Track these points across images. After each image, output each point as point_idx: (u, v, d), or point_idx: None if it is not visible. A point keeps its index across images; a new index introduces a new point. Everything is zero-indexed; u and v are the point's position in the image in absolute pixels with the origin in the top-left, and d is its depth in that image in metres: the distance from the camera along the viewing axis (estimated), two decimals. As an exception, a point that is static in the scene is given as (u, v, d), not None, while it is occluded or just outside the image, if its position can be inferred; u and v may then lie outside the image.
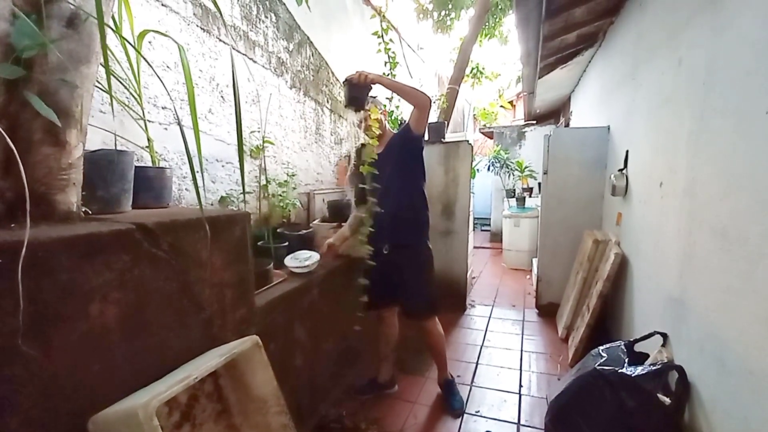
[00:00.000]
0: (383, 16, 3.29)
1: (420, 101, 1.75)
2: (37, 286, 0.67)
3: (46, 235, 0.70)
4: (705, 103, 1.35)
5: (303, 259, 1.84)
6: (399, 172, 1.83)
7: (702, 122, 1.37)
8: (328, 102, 2.93)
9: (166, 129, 1.54)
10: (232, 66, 0.88)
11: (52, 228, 0.76)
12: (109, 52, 1.24)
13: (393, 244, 1.86)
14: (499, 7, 4.87)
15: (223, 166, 1.88)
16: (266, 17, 2.18)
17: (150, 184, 1.25)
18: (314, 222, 2.36)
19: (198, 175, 1.66)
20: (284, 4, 2.36)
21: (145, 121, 1.32)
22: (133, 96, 1.30)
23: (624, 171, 2.36)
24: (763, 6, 1.04)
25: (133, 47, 1.13)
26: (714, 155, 1.28)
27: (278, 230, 2.13)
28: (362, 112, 1.82)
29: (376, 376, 2.12)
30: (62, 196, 0.83)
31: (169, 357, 0.95)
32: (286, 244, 1.97)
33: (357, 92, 1.72)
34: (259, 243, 1.89)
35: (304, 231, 2.14)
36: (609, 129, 2.88)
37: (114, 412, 0.78)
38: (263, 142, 2.06)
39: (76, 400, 0.75)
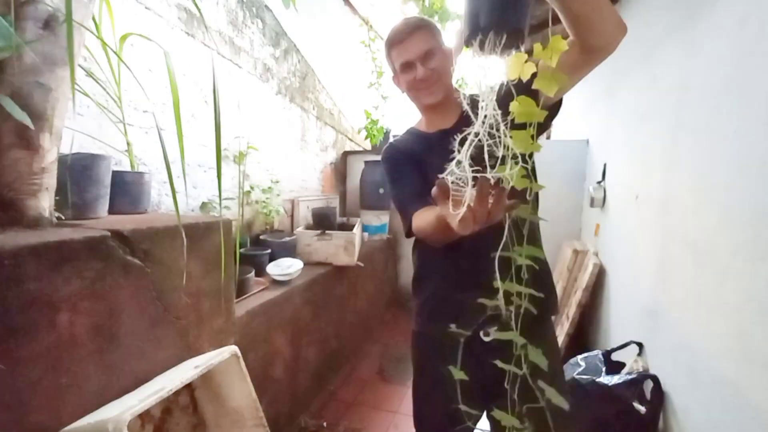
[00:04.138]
0: (370, 26, 3.33)
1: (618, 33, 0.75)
2: (2, 295, 0.65)
3: (13, 241, 0.67)
4: (678, 120, 1.41)
5: (285, 267, 1.82)
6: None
7: (675, 138, 1.42)
8: (314, 109, 2.92)
9: (146, 133, 1.51)
10: (213, 69, 0.87)
11: (21, 234, 0.73)
12: (89, 55, 1.21)
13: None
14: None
15: (205, 171, 1.85)
16: (252, 23, 2.18)
17: (128, 189, 1.22)
18: (298, 229, 2.34)
19: (179, 180, 1.64)
20: (271, 11, 2.36)
21: (124, 124, 1.29)
22: (112, 99, 1.27)
23: (602, 183, 2.43)
24: (733, 28, 1.09)
25: (114, 51, 1.11)
26: (686, 171, 1.33)
27: (261, 237, 2.11)
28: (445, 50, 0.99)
29: None
30: (33, 202, 0.80)
31: (143, 368, 0.92)
32: (269, 251, 1.95)
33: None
34: (240, 250, 1.87)
35: (288, 238, 2.12)
36: (588, 142, 2.96)
37: (83, 427, 0.75)
38: (247, 147, 2.04)
39: (42, 414, 0.72)
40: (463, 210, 0.52)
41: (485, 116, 0.54)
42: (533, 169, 0.84)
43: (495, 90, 0.57)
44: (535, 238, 0.90)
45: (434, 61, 0.96)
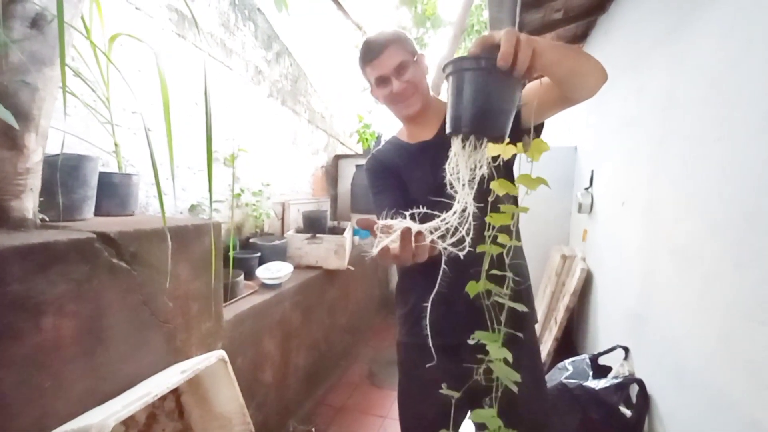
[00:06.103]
0: (363, 31, 3.35)
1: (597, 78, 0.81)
2: (-16, 298, 0.63)
3: (-4, 243, 0.66)
4: (664, 128, 1.44)
5: (275, 271, 1.81)
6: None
7: (661, 146, 1.45)
8: (305, 112, 2.92)
9: (135, 134, 1.49)
10: (204, 71, 0.87)
11: (4, 236, 0.72)
12: (77, 54, 1.20)
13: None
14: (475, 28, 5.08)
15: (194, 173, 1.83)
16: (244, 26, 2.17)
17: (115, 190, 1.20)
18: (288, 233, 2.33)
19: (168, 182, 1.62)
20: (264, 13, 2.36)
21: (112, 125, 1.27)
22: (100, 99, 1.26)
23: (589, 189, 2.46)
24: (717, 38, 1.12)
25: (103, 52, 1.10)
26: (672, 178, 1.36)
27: (251, 240, 2.09)
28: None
29: None
30: (17, 203, 0.79)
31: (128, 372, 0.90)
32: (258, 254, 1.93)
33: (501, 97, 0.65)
34: (230, 253, 1.85)
35: (278, 242, 2.11)
36: (576, 149, 3.01)
37: (64, 433, 0.73)
38: (237, 150, 2.03)
39: (23, 419, 0.70)
40: (383, 244, 0.58)
41: (463, 210, 0.61)
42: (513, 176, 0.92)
43: (474, 184, 0.64)
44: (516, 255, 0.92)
45: (408, 74, 0.95)
